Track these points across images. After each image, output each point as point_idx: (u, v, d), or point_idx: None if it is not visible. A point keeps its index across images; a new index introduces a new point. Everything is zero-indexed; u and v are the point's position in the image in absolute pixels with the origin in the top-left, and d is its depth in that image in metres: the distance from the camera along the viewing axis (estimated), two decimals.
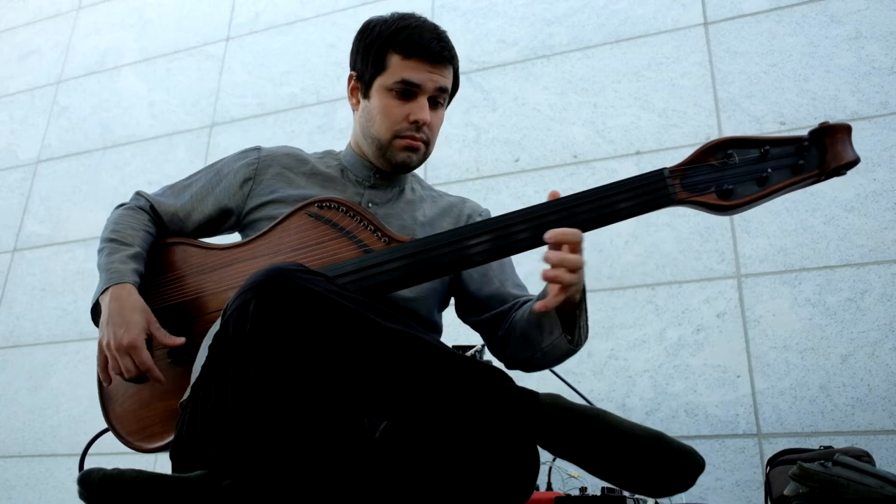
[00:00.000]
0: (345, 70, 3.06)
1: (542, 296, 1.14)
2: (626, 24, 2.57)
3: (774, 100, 2.27)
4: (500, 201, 2.46)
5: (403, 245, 1.16)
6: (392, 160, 1.32)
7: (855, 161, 1.03)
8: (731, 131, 2.28)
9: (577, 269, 1.04)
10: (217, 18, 3.35)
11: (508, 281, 1.36)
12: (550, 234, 1.04)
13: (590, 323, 1.21)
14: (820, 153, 1.04)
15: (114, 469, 0.99)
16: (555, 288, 1.04)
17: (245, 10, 3.30)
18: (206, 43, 3.31)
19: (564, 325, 1.14)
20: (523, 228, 1.11)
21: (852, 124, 2.25)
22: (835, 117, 2.17)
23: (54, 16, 3.74)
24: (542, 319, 1.15)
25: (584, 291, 1.13)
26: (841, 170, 1.03)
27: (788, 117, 2.23)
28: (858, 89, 2.19)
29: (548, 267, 1.04)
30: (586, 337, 1.19)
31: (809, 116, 2.20)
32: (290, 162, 1.38)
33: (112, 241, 1.32)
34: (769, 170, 1.04)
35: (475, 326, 1.39)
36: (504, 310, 1.32)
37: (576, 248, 1.05)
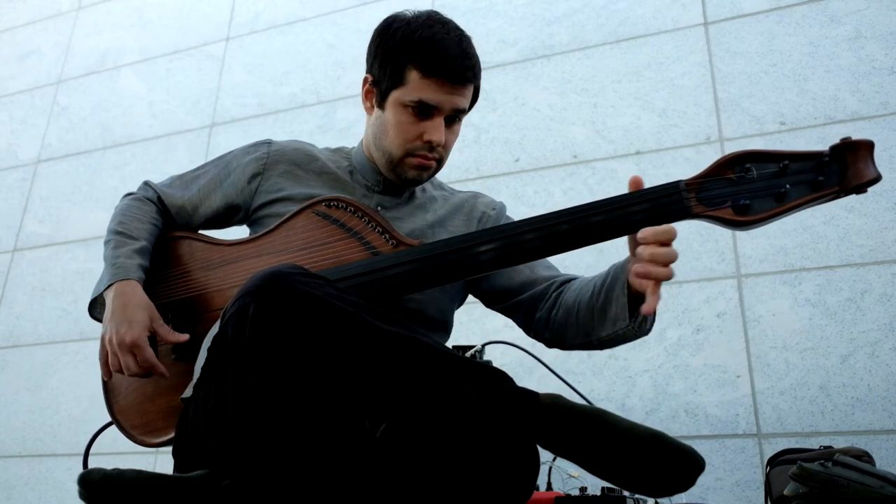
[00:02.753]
0: (345, 70, 3.07)
1: (608, 278, 1.12)
2: (626, 24, 2.57)
3: (774, 100, 2.27)
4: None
5: (411, 249, 1.15)
6: (402, 176, 1.29)
7: (877, 179, 1.00)
8: (731, 131, 2.28)
9: (669, 262, 1.01)
10: (217, 18, 3.35)
11: (538, 265, 1.32)
12: (643, 233, 1.01)
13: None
14: (840, 169, 1.01)
15: (114, 469, 0.99)
16: (649, 284, 1.01)
17: (245, 10, 3.30)
18: (206, 43, 3.31)
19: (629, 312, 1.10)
20: (534, 237, 1.08)
21: (852, 124, 2.25)
22: (835, 117, 2.17)
23: (54, 16, 3.74)
24: (608, 308, 1.12)
25: None
26: (862, 188, 1.00)
27: (788, 117, 2.23)
28: (858, 89, 2.19)
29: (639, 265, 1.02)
30: (652, 325, 1.15)
31: (809, 116, 2.20)
32: (300, 158, 1.36)
33: (119, 233, 1.31)
34: (787, 185, 1.01)
35: (507, 310, 1.35)
36: (540, 291, 1.29)
37: (667, 243, 1.02)
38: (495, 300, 1.36)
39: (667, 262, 1.00)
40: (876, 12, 2.26)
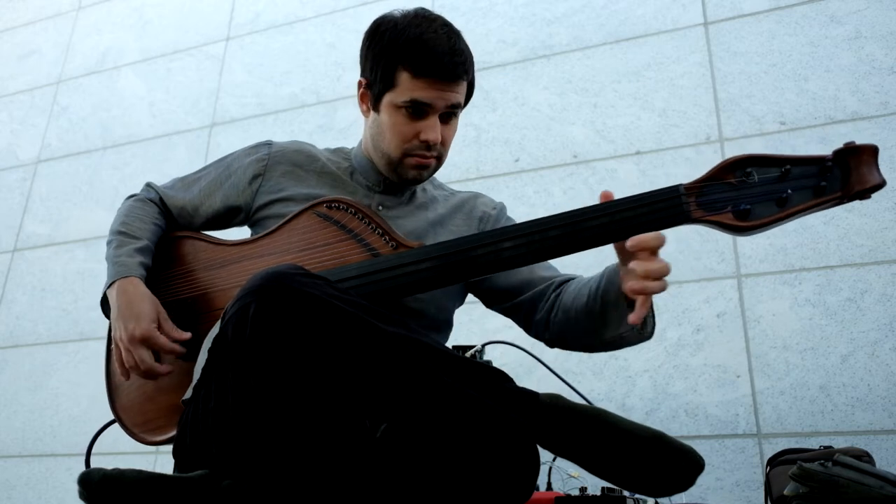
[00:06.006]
0: (345, 70, 3.07)
1: (602, 282, 1.13)
2: (626, 24, 2.57)
3: (774, 100, 2.27)
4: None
5: (410, 251, 1.15)
6: (402, 176, 1.29)
7: (881, 184, 0.97)
8: (731, 131, 2.28)
9: (662, 276, 0.99)
10: (217, 18, 3.35)
11: (537, 266, 1.32)
12: (631, 242, 1.00)
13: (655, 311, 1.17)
14: (843, 174, 0.99)
15: (114, 469, 0.99)
16: (641, 297, 1.00)
17: (245, 10, 3.30)
18: (206, 43, 3.31)
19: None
20: (522, 243, 1.08)
21: (852, 124, 2.24)
22: (835, 117, 2.17)
23: (54, 16, 3.74)
24: (610, 313, 1.12)
25: None
26: (865, 194, 0.98)
27: (788, 117, 2.23)
28: (858, 89, 2.19)
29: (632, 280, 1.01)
30: (654, 329, 1.15)
31: (809, 116, 2.20)
32: (301, 159, 1.37)
33: (121, 233, 1.33)
34: (789, 190, 0.99)
35: (508, 311, 1.35)
36: (539, 291, 1.29)
37: (656, 251, 1.01)
38: (496, 300, 1.37)
39: (660, 276, 0.99)
40: (876, 12, 2.26)
